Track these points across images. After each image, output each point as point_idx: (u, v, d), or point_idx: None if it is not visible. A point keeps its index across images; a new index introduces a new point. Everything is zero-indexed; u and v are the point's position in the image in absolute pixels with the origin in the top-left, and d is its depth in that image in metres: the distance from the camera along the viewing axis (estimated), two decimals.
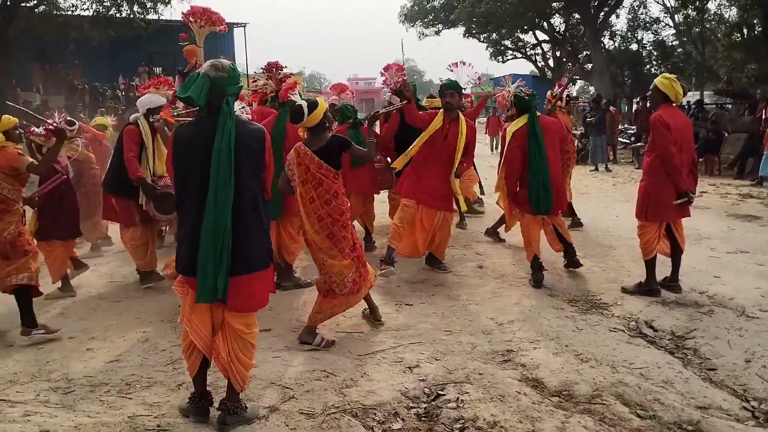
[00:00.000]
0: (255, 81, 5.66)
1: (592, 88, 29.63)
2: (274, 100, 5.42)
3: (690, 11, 22.67)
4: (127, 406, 3.28)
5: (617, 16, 30.30)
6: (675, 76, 4.97)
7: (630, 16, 29.82)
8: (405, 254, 5.62)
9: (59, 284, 5.44)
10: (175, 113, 5.00)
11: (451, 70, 5.84)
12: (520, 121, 5.41)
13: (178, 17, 5.40)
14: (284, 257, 5.36)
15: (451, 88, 5.44)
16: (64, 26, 19.03)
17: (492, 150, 18.35)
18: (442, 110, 5.44)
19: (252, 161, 2.94)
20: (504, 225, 6.67)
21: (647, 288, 5.07)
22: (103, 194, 5.86)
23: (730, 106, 21.60)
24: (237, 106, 3.24)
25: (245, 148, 2.89)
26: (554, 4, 28.23)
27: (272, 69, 5.71)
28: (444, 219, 5.57)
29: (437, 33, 32.29)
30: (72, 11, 19.55)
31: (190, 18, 4.98)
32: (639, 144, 14.71)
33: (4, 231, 4.38)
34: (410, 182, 5.56)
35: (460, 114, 5.51)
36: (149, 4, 19.49)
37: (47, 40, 20.14)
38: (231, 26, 25.12)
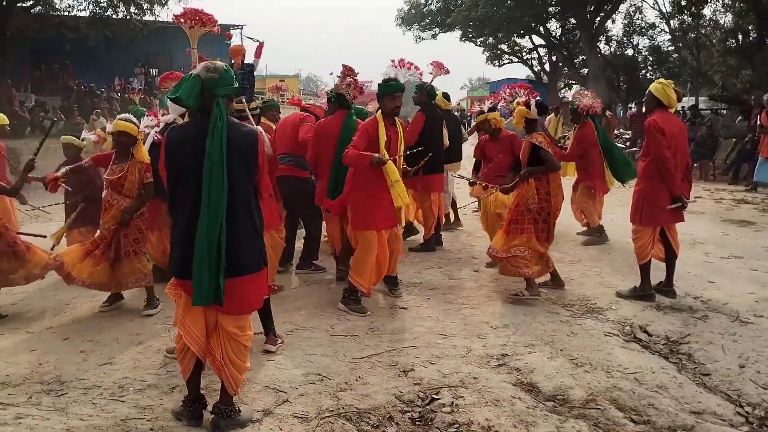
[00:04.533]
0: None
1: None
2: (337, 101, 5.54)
3: (686, 17, 22.74)
4: (120, 409, 3.26)
5: (613, 21, 30.38)
6: (670, 81, 5.00)
7: (626, 22, 29.96)
8: None
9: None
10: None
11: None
12: None
13: None
14: None
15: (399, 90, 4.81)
16: (60, 27, 18.96)
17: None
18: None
19: (244, 163, 2.93)
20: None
21: (642, 293, 5.08)
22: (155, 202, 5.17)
23: (725, 112, 21.69)
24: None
25: (237, 150, 2.88)
26: (550, 8, 28.34)
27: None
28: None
29: (434, 36, 32.37)
30: (68, 12, 19.51)
31: (181, 20, 4.92)
32: (634, 149, 14.73)
33: None
34: None
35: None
36: (146, 5, 19.43)
37: (43, 41, 20.03)
38: (227, 28, 25.08)
